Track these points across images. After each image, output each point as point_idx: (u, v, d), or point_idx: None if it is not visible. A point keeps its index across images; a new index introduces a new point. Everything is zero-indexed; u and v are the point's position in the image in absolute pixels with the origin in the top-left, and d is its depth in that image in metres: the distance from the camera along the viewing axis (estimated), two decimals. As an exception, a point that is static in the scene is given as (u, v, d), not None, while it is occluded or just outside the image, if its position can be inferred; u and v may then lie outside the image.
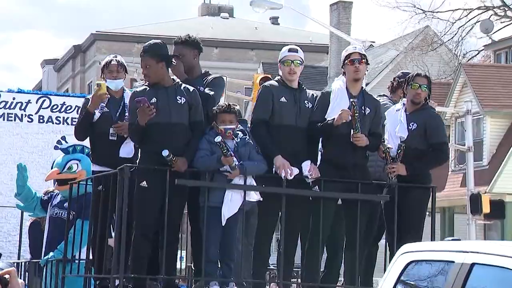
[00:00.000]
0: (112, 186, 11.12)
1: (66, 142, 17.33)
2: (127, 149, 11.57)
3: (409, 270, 7.25)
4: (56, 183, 13.88)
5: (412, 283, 7.33)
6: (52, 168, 14.30)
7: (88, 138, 12.26)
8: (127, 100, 11.86)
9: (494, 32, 55.66)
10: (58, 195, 13.95)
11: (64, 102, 17.77)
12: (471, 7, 58.15)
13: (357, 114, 10.92)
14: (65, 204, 13.23)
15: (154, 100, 10.76)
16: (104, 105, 11.83)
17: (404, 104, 11.63)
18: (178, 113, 10.78)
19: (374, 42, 51.81)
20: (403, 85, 11.85)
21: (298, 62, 11.45)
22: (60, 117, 17.64)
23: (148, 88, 11.00)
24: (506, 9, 57.99)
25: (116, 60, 12.30)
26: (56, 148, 17.55)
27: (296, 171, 10.93)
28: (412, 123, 11.46)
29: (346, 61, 11.53)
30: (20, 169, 14.38)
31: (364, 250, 11.38)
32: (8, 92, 17.67)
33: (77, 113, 16.85)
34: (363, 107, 11.33)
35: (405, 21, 55.45)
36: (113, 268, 10.88)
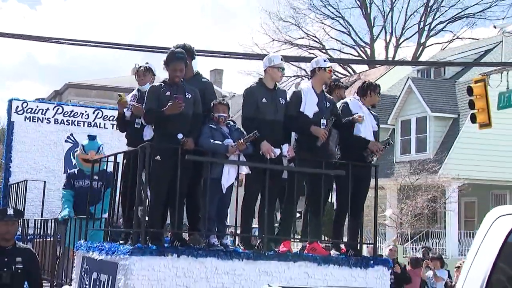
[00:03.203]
0: (134, 161, 8.38)
1: (74, 138, 14.91)
2: (148, 132, 8.70)
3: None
4: (84, 160, 11.55)
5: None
6: (82, 148, 12.06)
7: None
8: None
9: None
10: (78, 171, 11.71)
11: (73, 110, 15.30)
12: (289, 75, 57.30)
13: (330, 127, 8.50)
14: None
15: (168, 93, 8.12)
16: (135, 102, 9.16)
17: (360, 102, 8.96)
18: (187, 106, 8.09)
19: (235, 93, 49.52)
20: (368, 91, 9.02)
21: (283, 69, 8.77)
22: (69, 120, 15.05)
23: (163, 84, 8.31)
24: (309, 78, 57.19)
25: (143, 66, 9.52)
26: (66, 141, 15.02)
27: (278, 151, 8.32)
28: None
29: (326, 68, 8.75)
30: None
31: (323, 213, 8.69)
32: (33, 102, 15.38)
33: (81, 118, 15.15)
34: (325, 102, 8.67)
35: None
36: (134, 224, 7.96)
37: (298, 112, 8.45)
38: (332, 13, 36.90)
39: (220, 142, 8.09)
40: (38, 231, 11.99)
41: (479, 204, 33.78)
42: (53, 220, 11.31)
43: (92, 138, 12.11)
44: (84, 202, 9.76)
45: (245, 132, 8.31)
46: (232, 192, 8.22)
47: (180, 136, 7.90)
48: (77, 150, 12.44)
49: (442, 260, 16.97)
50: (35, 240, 12.02)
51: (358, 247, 8.59)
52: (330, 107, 8.66)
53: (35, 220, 12.40)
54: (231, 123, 8.48)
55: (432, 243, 29.36)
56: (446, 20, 35.93)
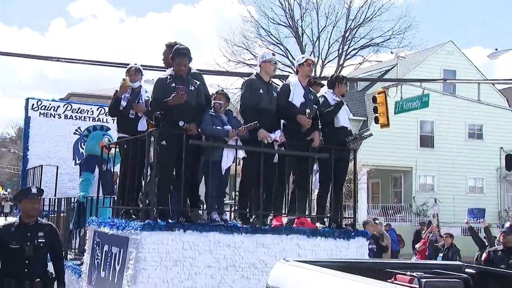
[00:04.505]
0: (140, 146, 6.74)
1: (81, 130, 12.93)
2: (142, 124, 7.28)
3: None
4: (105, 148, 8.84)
5: None
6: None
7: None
8: (143, 93, 7.53)
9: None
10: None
11: (80, 107, 13.49)
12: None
13: (312, 116, 6.96)
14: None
15: (173, 85, 6.50)
16: (128, 95, 7.39)
17: (334, 94, 7.40)
18: (190, 96, 6.51)
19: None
20: (336, 82, 7.46)
21: (276, 63, 7.18)
22: (77, 116, 13.27)
23: (169, 77, 6.64)
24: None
25: (135, 66, 7.70)
26: (74, 133, 13.14)
27: (273, 136, 6.80)
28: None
29: (304, 63, 7.18)
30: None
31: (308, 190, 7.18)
32: (47, 100, 13.40)
33: (87, 114, 13.27)
34: (309, 94, 7.17)
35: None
36: (143, 201, 6.59)
37: (287, 102, 6.95)
38: (274, 40, 35.78)
39: (220, 128, 6.58)
40: (52, 208, 10.44)
41: (382, 184, 33.45)
42: (64, 199, 9.72)
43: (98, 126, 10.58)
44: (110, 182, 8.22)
45: (242, 119, 6.81)
46: (229, 173, 6.72)
47: (181, 123, 6.35)
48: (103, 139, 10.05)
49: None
50: (50, 215, 10.35)
51: (339, 220, 7.17)
52: (313, 98, 7.20)
53: (49, 199, 10.75)
54: (230, 112, 6.94)
55: (348, 213, 28.54)
56: (358, 48, 35.38)
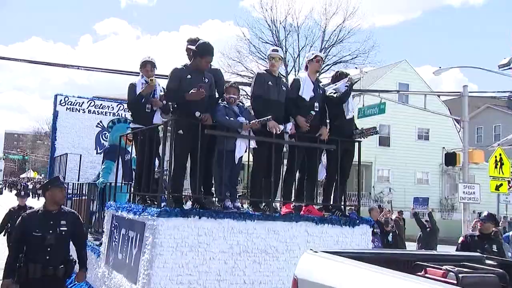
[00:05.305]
0: (156, 136, 5.75)
1: (102, 124, 11.73)
2: (157, 117, 6.12)
3: None
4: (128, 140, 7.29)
5: None
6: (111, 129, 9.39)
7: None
8: (157, 87, 6.32)
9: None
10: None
11: (101, 103, 12.15)
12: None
13: (311, 119, 5.75)
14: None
15: (189, 76, 5.36)
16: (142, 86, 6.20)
17: (342, 86, 6.17)
18: (205, 89, 5.33)
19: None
20: (339, 79, 6.34)
21: (278, 58, 5.98)
22: (99, 111, 11.95)
23: (185, 68, 5.48)
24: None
25: (150, 60, 6.46)
26: (96, 126, 11.81)
27: (281, 127, 5.66)
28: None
29: (313, 59, 6.08)
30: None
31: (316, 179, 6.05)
32: (73, 97, 11.99)
33: (108, 109, 11.81)
34: (318, 89, 6.06)
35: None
36: (159, 188, 5.30)
37: (297, 96, 5.82)
38: (263, 56, 34.51)
39: (234, 119, 5.43)
40: (76, 191, 9.16)
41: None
42: (87, 184, 8.47)
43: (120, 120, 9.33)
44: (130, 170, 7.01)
45: (253, 110, 5.67)
46: (242, 162, 5.60)
47: (197, 114, 5.22)
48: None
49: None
50: (73, 198, 9.10)
51: (343, 208, 6.05)
52: (322, 93, 6.08)
53: (73, 183, 9.45)
54: (241, 104, 5.77)
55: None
56: (331, 64, 34.34)
